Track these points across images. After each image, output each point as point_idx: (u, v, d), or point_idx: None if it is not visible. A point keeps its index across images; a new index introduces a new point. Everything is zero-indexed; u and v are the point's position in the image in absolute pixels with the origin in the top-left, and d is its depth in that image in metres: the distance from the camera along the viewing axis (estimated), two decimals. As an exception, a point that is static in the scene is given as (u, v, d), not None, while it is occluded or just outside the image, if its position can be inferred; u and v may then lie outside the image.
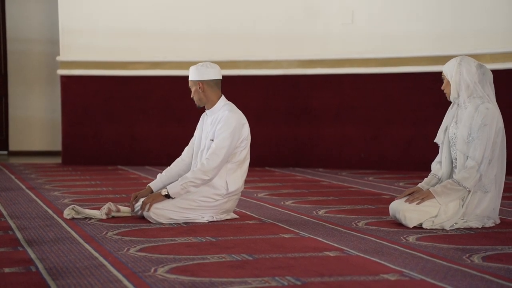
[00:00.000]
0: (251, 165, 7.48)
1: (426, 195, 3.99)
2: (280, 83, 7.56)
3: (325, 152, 7.49)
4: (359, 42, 7.32)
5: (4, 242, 3.59)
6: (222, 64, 7.70)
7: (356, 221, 4.24)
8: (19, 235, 3.77)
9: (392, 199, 5.20)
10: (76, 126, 7.83)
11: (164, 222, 4.10)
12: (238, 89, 7.63)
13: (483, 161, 3.98)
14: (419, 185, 4.17)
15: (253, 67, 7.56)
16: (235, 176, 4.22)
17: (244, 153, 4.24)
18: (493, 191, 4.03)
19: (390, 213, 4.15)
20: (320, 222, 4.23)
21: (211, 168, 4.09)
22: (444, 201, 3.98)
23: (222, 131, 4.14)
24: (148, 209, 4.07)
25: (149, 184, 4.28)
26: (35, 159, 8.54)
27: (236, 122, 4.17)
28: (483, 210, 4.01)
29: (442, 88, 4.15)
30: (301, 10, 7.48)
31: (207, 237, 3.73)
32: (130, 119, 7.78)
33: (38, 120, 9.13)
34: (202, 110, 4.34)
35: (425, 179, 4.21)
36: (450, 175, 4.12)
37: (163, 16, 7.69)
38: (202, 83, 4.21)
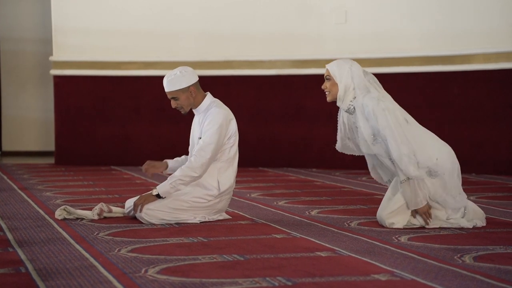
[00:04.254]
0: (245, 165, 7.53)
1: (423, 210, 3.94)
2: (273, 83, 7.55)
3: (319, 152, 7.49)
4: (353, 42, 7.32)
5: (-5, 243, 3.57)
6: (216, 64, 7.74)
7: (349, 221, 4.23)
8: (9, 236, 3.75)
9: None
10: (69, 126, 7.81)
11: (156, 222, 4.09)
12: (232, 89, 7.62)
13: (399, 153, 3.89)
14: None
15: (246, 67, 7.56)
16: (227, 174, 4.20)
17: (233, 150, 4.21)
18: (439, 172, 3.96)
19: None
20: (313, 222, 4.23)
21: (198, 165, 4.06)
22: (421, 201, 3.93)
23: (209, 127, 4.11)
24: (140, 210, 4.06)
25: (166, 160, 4.25)
26: (28, 159, 8.52)
27: (223, 118, 4.14)
28: (434, 194, 3.97)
29: (323, 88, 4.07)
30: (294, 10, 7.48)
31: (198, 238, 3.72)
32: (123, 119, 7.76)
33: (31, 120, 9.11)
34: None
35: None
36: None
37: (156, 16, 7.68)
38: (193, 86, 4.18)
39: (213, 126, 4.11)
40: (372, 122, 3.98)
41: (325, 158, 7.46)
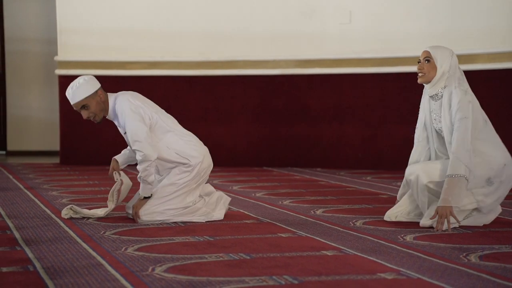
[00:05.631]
0: (249, 164, 7.56)
1: (446, 212, 3.85)
2: (278, 83, 7.57)
3: (323, 151, 7.50)
4: (357, 42, 7.33)
5: (2, 242, 3.59)
6: (220, 64, 7.76)
7: (354, 221, 4.24)
8: (17, 235, 3.77)
9: (389, 198, 5.23)
10: (74, 126, 7.82)
11: (160, 219, 4.10)
12: (236, 88, 7.64)
13: (461, 149, 3.88)
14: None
15: (250, 66, 7.57)
16: (174, 141, 4.14)
17: (163, 119, 4.14)
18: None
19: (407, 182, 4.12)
20: (318, 221, 4.24)
21: (143, 154, 4.02)
22: (458, 201, 3.89)
23: (125, 121, 4.06)
24: (139, 217, 4.08)
25: (114, 157, 4.25)
26: (33, 159, 8.54)
27: (128, 104, 4.07)
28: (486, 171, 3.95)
29: (419, 68, 4.05)
30: (298, 10, 7.49)
31: (205, 237, 3.73)
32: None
33: (36, 120, 9.13)
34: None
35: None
36: None
37: (161, 16, 7.70)
38: (100, 90, 4.10)
39: (127, 116, 4.05)
40: (453, 112, 3.95)
41: (329, 158, 7.47)
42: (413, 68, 7.25)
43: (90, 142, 7.79)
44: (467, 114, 3.95)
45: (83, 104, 4.07)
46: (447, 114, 4.01)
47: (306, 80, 7.50)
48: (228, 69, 7.56)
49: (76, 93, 4.06)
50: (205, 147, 4.30)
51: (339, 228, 4.00)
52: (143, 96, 4.24)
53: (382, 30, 7.26)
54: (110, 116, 4.16)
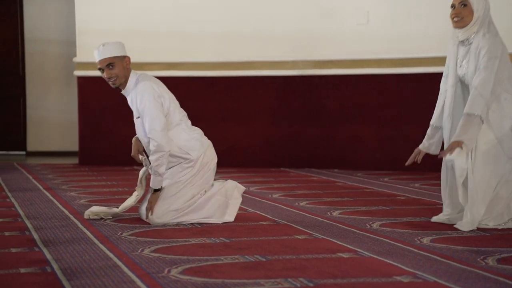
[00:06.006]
0: (266, 165, 7.55)
1: (456, 145, 3.84)
2: (295, 83, 7.56)
3: (341, 152, 7.48)
4: (374, 42, 7.30)
5: (21, 242, 3.63)
6: (237, 65, 7.77)
7: (370, 223, 4.23)
8: (35, 236, 3.80)
9: (407, 200, 5.21)
10: (92, 126, 7.88)
11: (172, 220, 4.10)
12: (253, 89, 7.64)
13: (486, 87, 3.84)
14: (420, 146, 4.15)
15: (268, 67, 7.57)
16: (181, 136, 4.14)
17: (176, 113, 4.15)
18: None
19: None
20: (334, 223, 4.23)
21: (157, 146, 4.03)
22: (471, 140, 3.85)
23: (143, 105, 4.06)
24: (152, 214, 4.07)
25: (135, 136, 4.24)
26: (52, 159, 8.61)
27: (152, 90, 4.07)
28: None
29: (456, 13, 3.99)
30: (316, 11, 7.48)
31: (221, 238, 3.74)
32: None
33: (55, 121, 9.20)
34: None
35: (427, 133, 4.18)
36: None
37: (178, 17, 7.72)
38: (128, 59, 4.15)
39: (147, 104, 4.06)
40: (480, 55, 3.91)
41: (346, 159, 7.45)
42: (431, 69, 7.28)
43: (108, 142, 7.84)
44: (496, 54, 3.90)
45: (110, 62, 4.08)
46: (473, 59, 3.95)
47: (324, 81, 7.49)
48: (246, 70, 7.56)
49: (107, 49, 4.09)
50: (209, 141, 4.27)
51: (355, 230, 3.99)
52: (163, 85, 4.24)
53: (400, 30, 7.23)
54: (126, 90, 4.17)
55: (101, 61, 4.10)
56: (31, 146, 9.26)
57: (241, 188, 4.34)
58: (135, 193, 4.29)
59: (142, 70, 7.73)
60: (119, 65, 4.10)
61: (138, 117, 4.15)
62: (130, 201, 4.28)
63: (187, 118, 4.28)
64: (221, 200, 4.23)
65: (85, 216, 4.26)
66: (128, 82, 4.14)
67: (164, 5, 7.76)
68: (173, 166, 4.17)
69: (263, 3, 7.57)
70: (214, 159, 4.27)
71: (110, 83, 4.16)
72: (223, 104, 7.70)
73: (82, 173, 7.11)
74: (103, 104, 7.86)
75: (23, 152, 9.30)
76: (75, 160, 8.18)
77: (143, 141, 4.21)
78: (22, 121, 9.32)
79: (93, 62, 7.82)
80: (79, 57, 7.87)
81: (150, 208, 4.09)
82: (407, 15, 7.24)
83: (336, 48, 7.41)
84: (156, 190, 4.09)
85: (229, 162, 7.13)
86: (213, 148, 4.27)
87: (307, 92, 7.54)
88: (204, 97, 7.73)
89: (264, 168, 7.42)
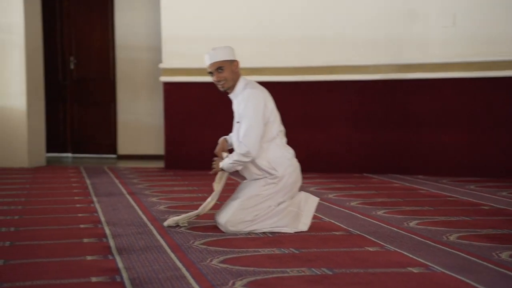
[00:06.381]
0: (349, 171, 7.48)
1: None
2: (377, 88, 7.45)
3: (425, 158, 7.31)
4: (461, 45, 7.09)
5: (97, 250, 3.75)
6: (319, 69, 7.73)
7: (448, 234, 4.11)
8: (111, 243, 3.92)
9: (491, 210, 5.03)
10: (178, 131, 8.04)
11: (245, 228, 4.13)
12: (335, 94, 7.58)
13: None
14: None
15: (350, 72, 7.49)
16: (272, 151, 4.17)
17: (275, 128, 4.18)
18: None
19: None
20: (409, 234, 4.14)
21: (245, 151, 4.10)
22: None
23: (245, 111, 4.12)
24: (215, 174, 4.19)
25: (223, 137, 4.36)
26: (141, 163, 8.85)
27: (257, 99, 4.12)
28: None
29: None
30: (399, 14, 7.34)
31: (290, 249, 3.74)
32: (229, 124, 7.88)
33: (144, 125, 9.47)
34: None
35: None
36: None
37: (260, 23, 7.77)
38: (237, 63, 4.23)
39: (250, 109, 4.11)
40: None
41: (431, 165, 7.27)
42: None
43: (193, 147, 7.98)
44: None
45: (220, 66, 4.20)
46: None
47: (407, 85, 7.33)
48: (327, 74, 7.52)
49: (217, 53, 4.22)
50: (298, 163, 4.30)
51: (430, 242, 3.89)
52: (270, 95, 4.28)
53: (488, 32, 6.99)
54: (233, 93, 4.25)
55: (211, 65, 4.23)
56: (122, 149, 9.56)
57: (315, 199, 4.32)
58: (212, 195, 4.34)
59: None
60: (228, 69, 4.20)
61: (238, 122, 4.21)
62: (211, 202, 4.33)
63: (284, 135, 4.30)
64: (293, 211, 4.23)
65: (165, 224, 4.34)
66: (237, 86, 4.23)
67: (247, 11, 7.82)
68: (257, 179, 4.20)
69: (344, 7, 7.50)
70: (298, 182, 4.28)
71: (219, 86, 4.27)
72: (305, 109, 7.68)
73: (166, 177, 7.28)
74: (188, 109, 8.01)
75: (114, 156, 9.62)
76: (162, 164, 8.38)
77: (234, 144, 4.26)
78: (113, 126, 9.65)
79: (178, 68, 8.09)
80: (165, 63, 8.06)
81: (213, 170, 4.20)
82: (495, 16, 6.99)
83: (421, 51, 7.25)
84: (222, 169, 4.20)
85: (310, 168, 7.11)
86: (300, 171, 4.29)
87: (390, 97, 7.41)
88: (286, 102, 7.71)
89: (346, 174, 7.35)
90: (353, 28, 7.47)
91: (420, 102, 7.32)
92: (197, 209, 4.40)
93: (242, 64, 7.84)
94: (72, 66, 9.87)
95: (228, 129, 7.90)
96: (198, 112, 8.01)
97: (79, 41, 9.84)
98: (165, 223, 4.36)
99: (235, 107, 4.28)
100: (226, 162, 4.19)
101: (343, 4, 7.52)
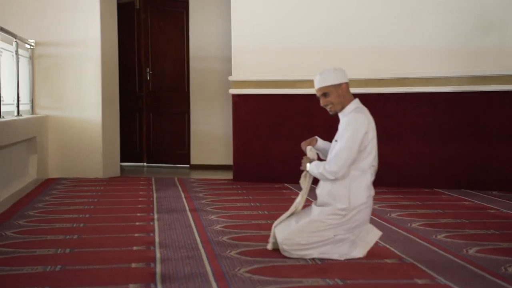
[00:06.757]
0: (418, 186, 7.25)
1: None
2: (450, 100, 7.19)
3: (500, 173, 7.00)
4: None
5: (142, 278, 3.74)
6: (389, 82, 7.54)
7: (507, 265, 3.90)
8: (158, 269, 3.92)
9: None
10: (246, 143, 8.04)
11: (295, 251, 4.06)
12: (405, 106, 7.38)
13: None
14: None
15: (421, 84, 7.28)
16: (357, 184, 4.06)
17: (368, 160, 4.07)
18: None
19: None
20: (466, 264, 3.95)
21: (333, 170, 4.04)
22: None
23: (345, 132, 4.07)
24: (304, 168, 4.18)
25: (316, 137, 4.34)
26: (212, 173, 8.91)
27: (360, 125, 4.05)
28: None
29: None
30: (473, 24, 7.06)
31: (335, 280, 3.64)
32: (297, 137, 7.82)
33: (216, 136, 9.53)
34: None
35: None
36: None
37: (329, 34, 7.66)
38: (345, 84, 4.17)
39: (349, 131, 4.05)
40: None
41: (506, 180, 6.95)
42: None
43: (260, 159, 7.96)
44: None
45: (325, 92, 4.17)
46: None
47: (481, 97, 7.05)
48: (397, 86, 7.33)
49: (322, 78, 4.18)
50: (372, 204, 4.19)
51: (486, 275, 3.70)
52: (374, 125, 4.22)
53: None
54: (342, 113, 4.21)
55: (317, 90, 4.23)
56: (195, 159, 9.66)
57: (377, 233, 4.18)
58: (301, 193, 4.29)
59: (294, 87, 7.84)
60: (334, 93, 4.17)
61: (336, 140, 4.18)
62: (302, 202, 4.29)
63: (375, 172, 4.18)
64: (350, 239, 4.12)
65: (269, 248, 4.32)
66: (346, 108, 4.19)
67: (315, 23, 7.73)
68: (326, 205, 4.14)
69: (415, 19, 7.29)
70: (365, 223, 4.15)
71: (327, 109, 4.25)
72: (375, 121, 7.49)
73: (232, 191, 7.27)
74: (256, 121, 8.00)
75: (188, 166, 9.73)
76: (231, 175, 8.40)
77: (327, 159, 4.24)
78: (187, 136, 9.77)
79: (246, 80, 8.10)
80: (234, 76, 8.07)
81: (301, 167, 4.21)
82: None
83: (496, 63, 6.95)
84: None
85: (380, 181, 6.91)
86: (370, 213, 4.17)
87: (462, 109, 7.15)
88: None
89: (416, 189, 7.14)
90: (423, 39, 7.26)
91: (494, 114, 7.02)
92: (273, 222, 4.37)
93: (309, 75, 7.84)
94: (148, 77, 10.07)
95: (294, 142, 7.87)
96: (266, 124, 7.99)
97: (155, 53, 10.03)
98: (268, 247, 4.31)
99: (340, 126, 4.23)
100: (313, 167, 4.16)
101: (416, 15, 7.31)
